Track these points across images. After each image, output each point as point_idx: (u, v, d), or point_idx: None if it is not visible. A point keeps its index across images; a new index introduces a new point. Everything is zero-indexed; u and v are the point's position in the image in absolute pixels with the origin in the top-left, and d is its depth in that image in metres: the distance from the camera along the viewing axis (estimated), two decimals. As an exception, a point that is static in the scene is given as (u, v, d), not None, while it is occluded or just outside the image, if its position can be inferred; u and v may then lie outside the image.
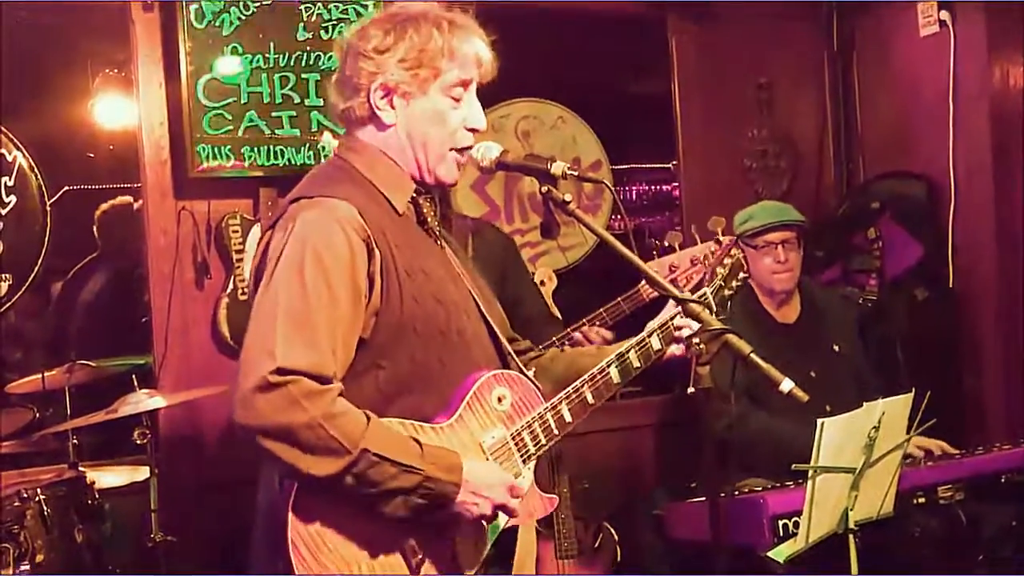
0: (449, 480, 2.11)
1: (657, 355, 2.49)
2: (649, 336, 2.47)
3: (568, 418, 2.36)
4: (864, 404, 3.04)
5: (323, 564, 2.08)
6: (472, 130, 2.35)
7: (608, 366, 2.41)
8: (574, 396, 2.37)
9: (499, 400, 2.30)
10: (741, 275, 2.74)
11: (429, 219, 2.36)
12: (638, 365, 2.45)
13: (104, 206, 5.12)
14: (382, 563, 2.13)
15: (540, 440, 2.33)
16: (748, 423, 3.81)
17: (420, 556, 2.17)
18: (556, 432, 2.34)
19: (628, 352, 2.44)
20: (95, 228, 5.14)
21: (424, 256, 2.29)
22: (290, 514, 2.06)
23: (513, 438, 2.30)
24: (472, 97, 2.35)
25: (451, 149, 2.32)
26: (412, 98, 2.27)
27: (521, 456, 2.31)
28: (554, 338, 3.50)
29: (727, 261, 2.75)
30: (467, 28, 2.33)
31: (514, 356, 2.40)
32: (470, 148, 2.35)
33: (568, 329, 3.51)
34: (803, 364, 3.90)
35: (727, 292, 2.72)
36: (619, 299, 3.49)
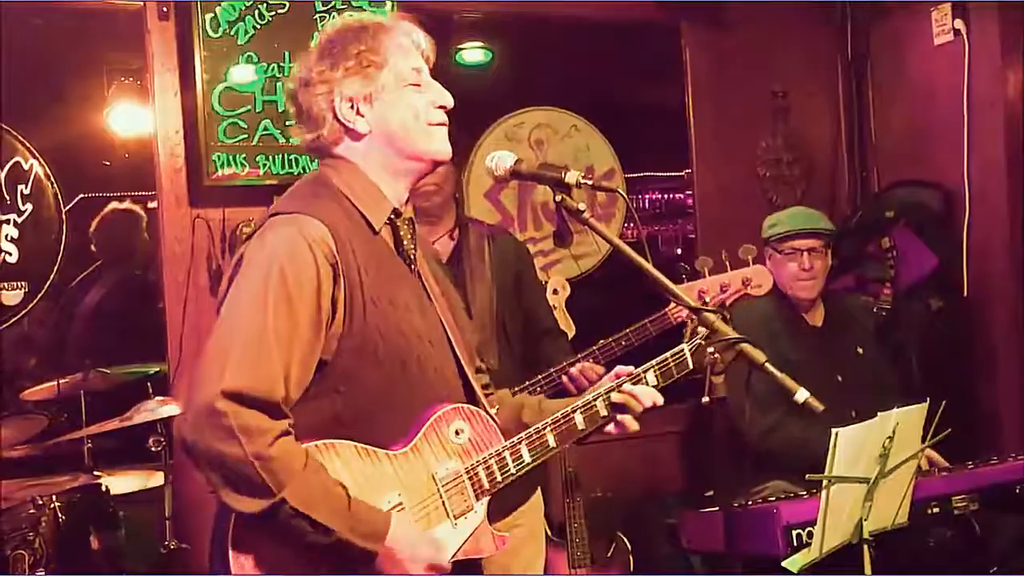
0: (363, 546, 2.09)
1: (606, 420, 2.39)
2: (615, 388, 2.38)
3: (527, 459, 2.31)
4: (878, 414, 3.02)
5: None
6: (440, 107, 2.32)
7: (573, 412, 2.36)
8: (535, 437, 2.33)
9: (456, 433, 2.27)
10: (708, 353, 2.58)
11: (405, 242, 2.33)
12: (605, 415, 2.37)
13: (98, 217, 5.10)
14: None
15: (496, 477, 2.28)
16: (784, 431, 3.79)
17: None
18: (513, 471, 2.30)
19: (595, 401, 2.37)
20: (92, 240, 5.12)
21: (393, 283, 2.27)
22: (230, 545, 2.08)
23: (468, 472, 2.27)
24: (430, 80, 2.33)
25: (428, 124, 2.30)
26: (375, 99, 2.26)
27: (474, 491, 2.27)
28: (551, 370, 3.44)
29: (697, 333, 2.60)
30: (395, 22, 2.34)
31: (479, 392, 2.37)
32: (444, 124, 2.33)
33: (564, 364, 3.45)
34: (830, 368, 3.90)
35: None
36: (646, 321, 3.42)
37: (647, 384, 2.37)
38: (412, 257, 2.34)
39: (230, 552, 2.08)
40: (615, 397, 2.36)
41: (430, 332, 2.31)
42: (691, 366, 2.39)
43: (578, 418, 2.36)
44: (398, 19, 2.36)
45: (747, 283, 3.42)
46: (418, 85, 2.30)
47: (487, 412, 2.34)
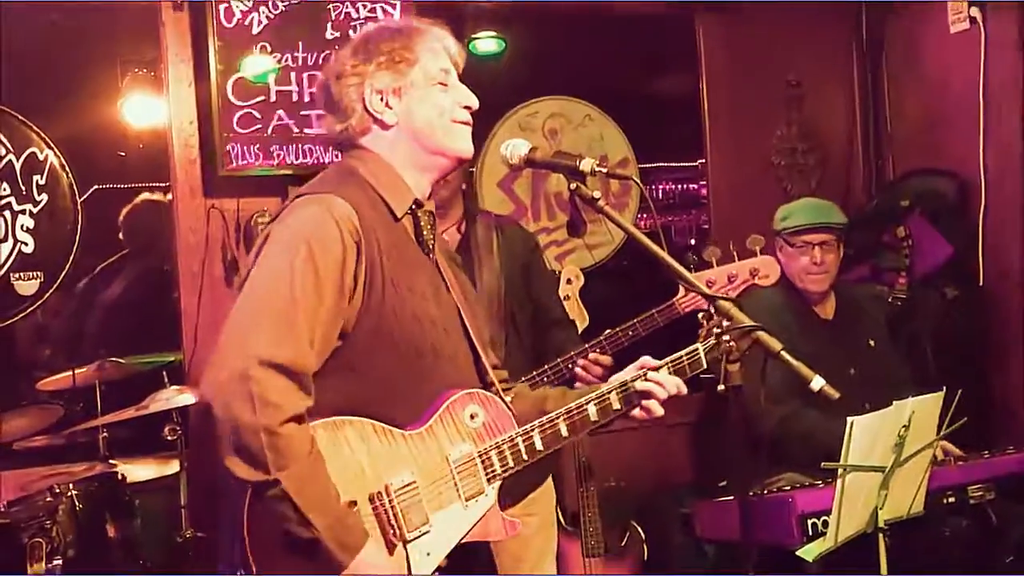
0: (338, 556, 2.11)
1: (632, 406, 2.44)
2: (632, 381, 2.43)
3: (539, 446, 2.35)
4: (894, 403, 3.02)
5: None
6: (465, 108, 2.40)
7: (587, 403, 2.40)
8: (548, 426, 2.37)
9: (471, 417, 2.31)
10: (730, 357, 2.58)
11: (425, 233, 2.39)
12: (618, 407, 2.42)
13: (128, 207, 5.15)
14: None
15: (508, 463, 2.33)
16: (800, 421, 3.78)
17: None
18: (525, 458, 2.34)
19: (609, 394, 2.42)
20: (121, 228, 5.17)
21: (412, 270, 2.32)
22: (246, 515, 2.11)
23: (480, 456, 2.31)
24: (457, 81, 2.42)
25: (452, 121, 2.37)
26: (404, 93, 2.34)
27: (486, 475, 2.31)
28: (559, 360, 3.44)
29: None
30: (423, 28, 2.42)
31: (494, 379, 2.41)
32: (468, 124, 2.40)
33: (571, 353, 3.43)
34: (843, 361, 3.88)
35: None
36: (653, 311, 3.40)
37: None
38: (431, 247, 2.39)
39: (245, 522, 2.10)
40: (640, 385, 2.40)
41: (446, 320, 2.35)
42: (705, 365, 2.44)
43: (591, 409, 2.40)
44: (431, 25, 2.43)
45: (755, 273, 3.42)
46: (445, 85, 2.38)
47: (502, 399, 2.37)
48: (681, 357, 2.44)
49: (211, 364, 2.13)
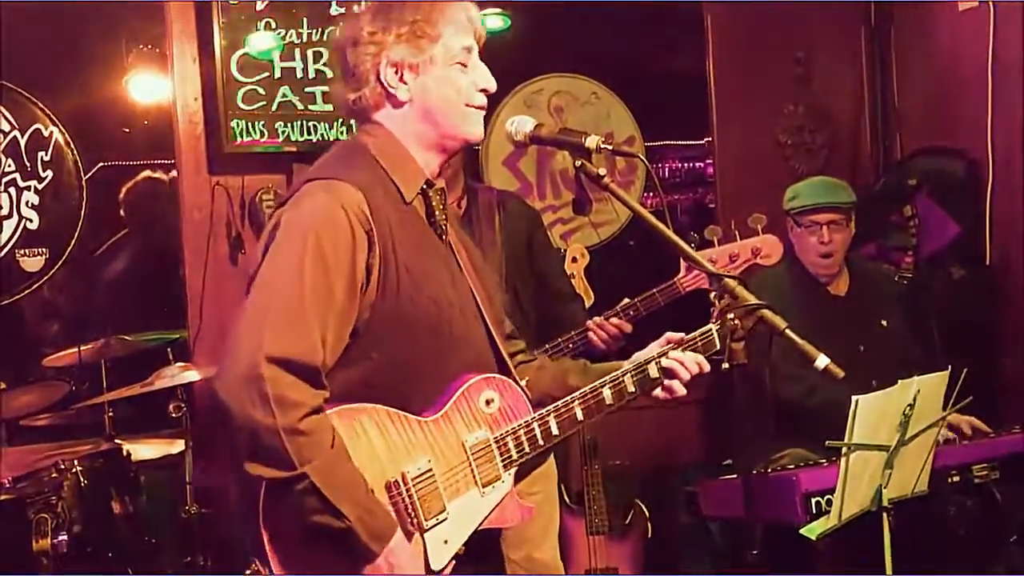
0: (367, 545, 2.08)
1: (653, 384, 2.43)
2: (647, 363, 2.42)
3: (555, 431, 2.33)
4: (899, 382, 3.01)
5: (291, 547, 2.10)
6: (483, 91, 2.34)
7: (602, 387, 2.38)
8: (563, 411, 2.34)
9: (487, 403, 2.28)
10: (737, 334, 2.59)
11: (437, 213, 2.33)
12: (632, 391, 2.40)
13: (128, 184, 5.13)
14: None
15: (524, 448, 2.30)
16: (824, 391, 3.76)
17: None
18: (541, 443, 2.31)
19: (624, 376, 2.40)
20: (122, 207, 5.16)
21: (425, 253, 2.28)
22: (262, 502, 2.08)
23: (496, 442, 2.28)
24: (477, 61, 2.35)
25: (467, 105, 2.32)
26: (421, 71, 2.27)
27: (502, 461, 2.28)
28: (572, 333, 3.44)
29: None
30: None
31: (509, 363, 2.38)
32: (483, 108, 2.35)
33: (573, 334, 3.42)
34: (852, 338, 3.86)
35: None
36: (654, 291, 3.39)
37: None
38: (443, 228, 2.35)
39: (261, 514, 2.08)
40: (665, 363, 2.39)
41: (461, 301, 2.31)
42: (718, 346, 2.42)
43: (606, 393, 2.37)
44: None
45: (756, 253, 3.40)
46: (465, 65, 2.31)
47: (517, 383, 2.34)
48: (695, 338, 2.43)
49: (223, 364, 2.09)
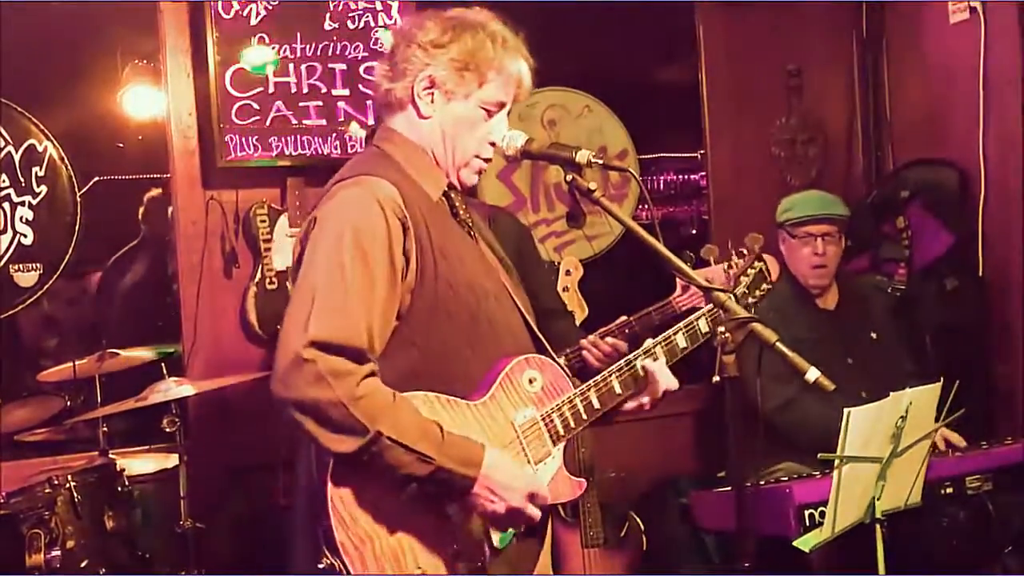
0: (463, 473, 2.15)
1: (685, 349, 2.54)
2: (675, 334, 2.53)
3: (596, 404, 2.41)
4: (891, 394, 3.02)
5: (361, 528, 2.13)
6: (491, 144, 2.42)
7: (635, 359, 2.47)
8: (602, 384, 2.43)
9: (530, 382, 2.35)
10: (765, 285, 2.74)
11: (461, 212, 2.43)
12: (679, 351, 2.52)
13: (153, 192, 5.15)
14: (411, 537, 2.18)
15: (569, 423, 2.38)
16: (798, 408, 3.78)
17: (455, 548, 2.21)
18: (585, 417, 2.39)
19: (655, 347, 2.50)
20: (141, 214, 5.18)
21: (458, 243, 2.35)
22: (329, 483, 2.12)
23: (543, 419, 2.35)
24: (503, 118, 2.42)
25: (475, 156, 2.41)
26: (452, 99, 2.35)
27: (551, 437, 2.35)
28: (567, 351, 3.42)
29: (750, 271, 2.74)
30: (517, 49, 2.41)
31: (546, 343, 2.45)
32: (486, 164, 2.44)
33: (568, 352, 3.43)
34: (841, 351, 3.89)
35: (751, 300, 2.73)
36: (650, 309, 3.41)
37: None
38: (470, 224, 2.44)
39: (329, 486, 2.11)
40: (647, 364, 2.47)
41: (496, 290, 2.40)
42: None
43: (639, 364, 2.46)
44: (522, 49, 2.43)
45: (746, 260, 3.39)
46: (490, 115, 2.38)
47: (556, 361, 2.41)
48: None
49: (274, 366, 2.13)
